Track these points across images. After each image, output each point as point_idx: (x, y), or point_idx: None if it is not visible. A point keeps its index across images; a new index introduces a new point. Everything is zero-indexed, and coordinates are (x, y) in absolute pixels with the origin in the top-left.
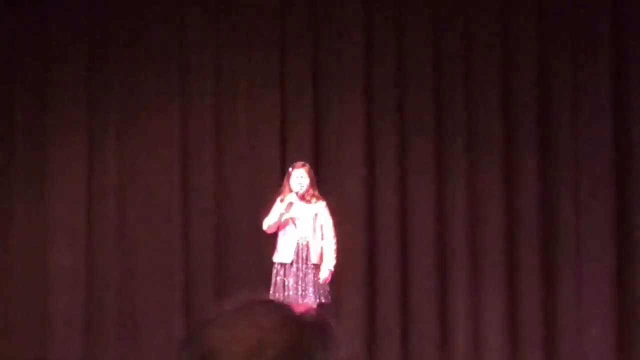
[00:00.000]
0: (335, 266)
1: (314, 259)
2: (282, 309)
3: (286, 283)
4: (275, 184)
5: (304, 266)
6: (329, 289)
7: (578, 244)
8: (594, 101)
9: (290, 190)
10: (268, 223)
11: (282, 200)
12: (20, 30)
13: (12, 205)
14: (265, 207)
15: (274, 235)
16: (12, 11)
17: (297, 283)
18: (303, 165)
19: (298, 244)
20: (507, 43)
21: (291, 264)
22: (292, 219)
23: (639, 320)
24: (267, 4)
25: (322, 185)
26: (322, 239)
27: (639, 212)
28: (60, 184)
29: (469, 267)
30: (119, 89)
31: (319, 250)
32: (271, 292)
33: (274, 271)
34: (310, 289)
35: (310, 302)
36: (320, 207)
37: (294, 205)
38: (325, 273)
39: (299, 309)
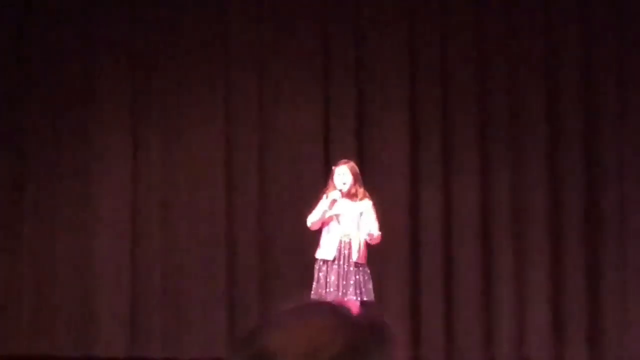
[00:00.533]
0: (381, 242)
1: (355, 257)
2: (340, 311)
3: (328, 280)
4: (318, 182)
5: (346, 264)
6: (371, 287)
7: (624, 236)
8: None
9: (334, 188)
10: (312, 220)
11: (326, 197)
12: (67, 36)
13: (58, 205)
14: (307, 205)
15: (318, 232)
16: (60, 19)
17: (338, 280)
18: (346, 162)
19: (341, 241)
20: (551, 49)
21: (333, 261)
22: (336, 216)
23: None
24: (310, 2)
25: (365, 182)
26: (367, 236)
27: None
28: (104, 184)
29: (514, 262)
30: (162, 87)
31: (362, 248)
32: (313, 288)
33: (316, 267)
34: (352, 287)
35: (351, 300)
36: (366, 205)
37: (337, 203)
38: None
39: (356, 310)
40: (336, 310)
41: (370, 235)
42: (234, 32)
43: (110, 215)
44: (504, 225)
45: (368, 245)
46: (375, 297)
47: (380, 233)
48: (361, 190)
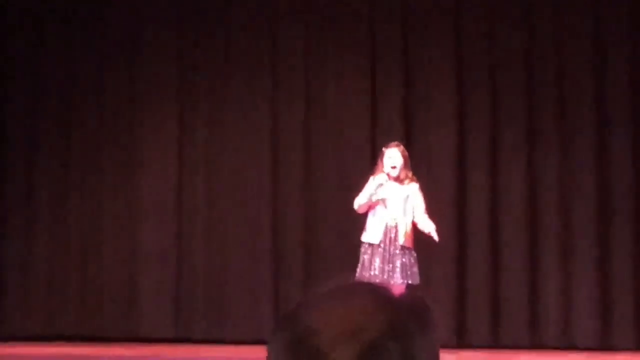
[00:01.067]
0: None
1: (401, 240)
2: (381, 292)
3: (373, 263)
4: (364, 165)
5: (392, 247)
6: (417, 271)
7: None
8: None
9: (383, 170)
10: (359, 202)
11: (374, 180)
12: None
13: (103, 184)
14: (354, 188)
15: (364, 215)
16: (103, 9)
17: (383, 263)
18: (397, 145)
19: (387, 224)
20: (599, 40)
21: (379, 244)
22: (383, 200)
23: None
24: None
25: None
26: (415, 220)
27: None
28: (149, 163)
29: (560, 248)
30: (208, 65)
31: (409, 232)
32: (358, 271)
33: (362, 250)
34: (398, 270)
35: (397, 283)
36: (413, 189)
37: (384, 186)
38: (431, 226)
39: (397, 291)
40: (377, 291)
41: (417, 218)
42: (280, 11)
43: (156, 196)
44: (552, 211)
45: (415, 229)
46: (421, 281)
47: (427, 216)
48: (409, 174)
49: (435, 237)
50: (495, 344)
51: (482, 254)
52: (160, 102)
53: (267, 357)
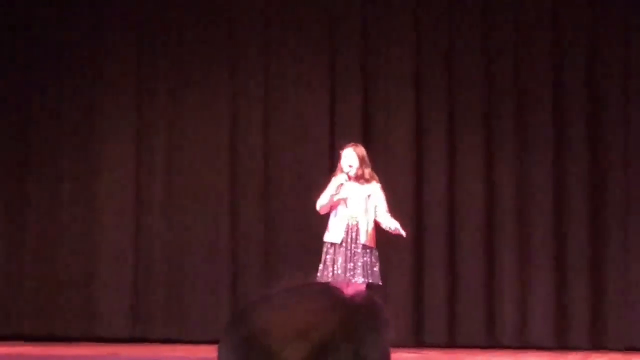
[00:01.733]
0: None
1: (363, 239)
2: (332, 291)
3: (335, 263)
4: (323, 165)
5: (353, 246)
6: (378, 270)
7: (627, 229)
8: None
9: (342, 171)
10: (320, 204)
11: (334, 181)
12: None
13: (61, 182)
14: (312, 187)
15: (325, 215)
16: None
17: (345, 262)
18: (353, 145)
19: (348, 223)
20: (558, 38)
21: (341, 243)
22: (344, 199)
23: None
24: None
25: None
26: (377, 218)
27: None
28: (108, 161)
29: (517, 248)
30: (167, 66)
31: (370, 231)
32: (320, 271)
33: (324, 250)
34: (359, 269)
35: (359, 282)
36: (374, 188)
37: (344, 186)
38: (396, 224)
39: (349, 291)
40: (329, 290)
41: (380, 218)
42: (239, 9)
43: (114, 196)
44: (508, 211)
45: (378, 228)
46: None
47: (389, 215)
48: (368, 172)
49: (402, 232)
50: (452, 344)
51: (439, 254)
52: (118, 106)
53: (217, 356)
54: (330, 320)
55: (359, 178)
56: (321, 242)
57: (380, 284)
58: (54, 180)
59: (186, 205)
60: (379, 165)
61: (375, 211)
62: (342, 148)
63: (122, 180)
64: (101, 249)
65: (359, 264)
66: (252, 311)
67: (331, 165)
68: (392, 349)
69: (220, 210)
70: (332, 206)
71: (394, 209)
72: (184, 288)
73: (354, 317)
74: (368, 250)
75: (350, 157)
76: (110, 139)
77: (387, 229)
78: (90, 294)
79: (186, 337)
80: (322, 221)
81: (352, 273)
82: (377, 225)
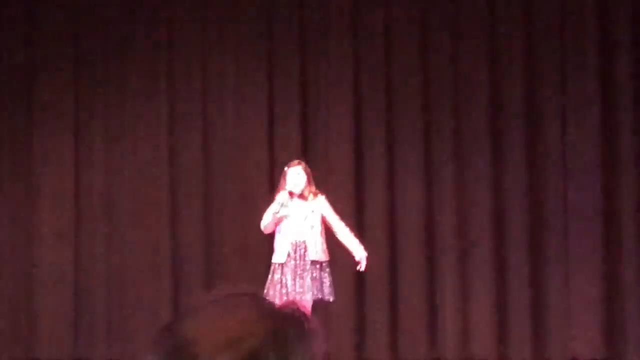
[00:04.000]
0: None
1: (312, 256)
2: (260, 302)
3: (284, 282)
4: (264, 183)
5: (302, 263)
6: (329, 285)
7: (566, 240)
8: (581, 98)
9: (284, 189)
10: (264, 223)
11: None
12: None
13: None
14: (252, 205)
15: (270, 235)
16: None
17: (294, 280)
18: (299, 163)
19: (295, 242)
20: (495, 41)
21: (287, 262)
22: (287, 218)
23: (625, 316)
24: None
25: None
26: (335, 231)
27: (627, 212)
28: (46, 182)
29: (458, 263)
30: (105, 84)
31: (320, 246)
32: (266, 290)
33: (272, 270)
34: (307, 286)
35: (308, 300)
36: (320, 202)
37: (288, 203)
38: (363, 261)
39: (277, 302)
40: (257, 301)
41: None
42: (177, 28)
43: (53, 215)
44: (449, 224)
45: (328, 242)
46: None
47: (343, 223)
48: (313, 189)
49: (362, 261)
50: (394, 359)
51: (380, 268)
52: (56, 120)
53: None
54: (259, 330)
55: (303, 196)
56: (261, 262)
57: (332, 299)
58: None
59: (126, 224)
60: (319, 183)
61: (330, 224)
62: (288, 166)
63: (61, 201)
64: (40, 271)
65: (308, 280)
66: (181, 322)
67: (271, 180)
68: None
69: (160, 229)
70: (277, 225)
71: None
72: (125, 307)
73: (283, 328)
74: (318, 266)
75: (299, 174)
76: (49, 160)
77: (347, 245)
78: (29, 316)
79: (128, 357)
80: (263, 237)
81: (301, 290)
82: (329, 238)
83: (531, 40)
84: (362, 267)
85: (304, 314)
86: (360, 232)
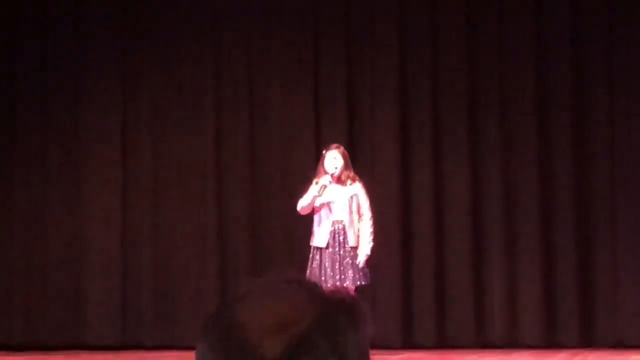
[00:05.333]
0: (373, 248)
1: (351, 242)
2: (311, 287)
3: (323, 267)
4: (309, 166)
5: (341, 249)
6: (368, 271)
7: (614, 227)
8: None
9: (325, 173)
10: (301, 205)
11: (316, 183)
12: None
13: (48, 189)
14: (298, 190)
15: (310, 220)
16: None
17: (334, 266)
18: (337, 147)
19: (334, 227)
20: (542, 41)
21: (327, 247)
22: (327, 203)
23: None
24: None
25: (355, 167)
26: (360, 219)
27: None
28: (94, 170)
29: (505, 246)
30: (151, 69)
31: (357, 232)
32: (307, 274)
33: (310, 256)
34: (349, 272)
35: (348, 285)
36: (356, 188)
37: (328, 188)
38: (362, 257)
39: (328, 287)
40: (307, 286)
41: (360, 217)
42: (223, 12)
43: (102, 203)
44: (495, 209)
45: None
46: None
47: (371, 214)
48: (351, 174)
49: (360, 261)
50: (441, 344)
51: (426, 254)
52: (104, 107)
53: (196, 351)
54: (308, 315)
55: (341, 180)
56: (307, 247)
57: (369, 283)
58: (40, 190)
59: (173, 211)
60: (364, 167)
61: (359, 213)
62: (326, 149)
63: (109, 188)
64: (88, 257)
65: (348, 266)
66: (231, 306)
67: (317, 168)
68: (380, 350)
69: (207, 214)
70: (315, 210)
71: (380, 212)
72: (173, 294)
73: (332, 313)
74: (356, 252)
75: (335, 158)
76: (96, 147)
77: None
78: (78, 302)
79: (176, 343)
80: (308, 224)
81: (341, 277)
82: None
83: (579, 40)
84: (360, 262)
85: (354, 300)
86: (406, 218)
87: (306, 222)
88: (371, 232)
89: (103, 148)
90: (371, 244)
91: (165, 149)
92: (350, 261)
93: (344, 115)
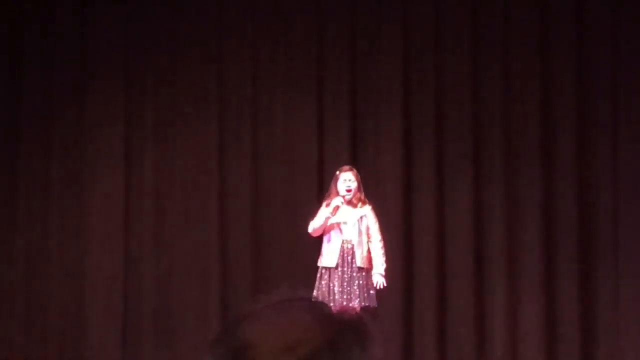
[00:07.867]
0: (387, 269)
1: (359, 262)
2: (319, 307)
3: (331, 287)
4: (312, 187)
5: (349, 270)
6: (374, 293)
7: (615, 246)
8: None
9: (337, 194)
10: (314, 226)
11: (327, 205)
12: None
13: (49, 209)
14: (301, 211)
15: (317, 239)
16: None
17: (342, 287)
18: (351, 169)
19: (343, 247)
20: (546, 55)
21: (336, 267)
22: (337, 223)
23: None
24: (304, 6)
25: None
26: (369, 241)
27: None
28: (97, 188)
29: (506, 270)
30: (156, 90)
31: (365, 254)
32: (314, 295)
33: (319, 275)
34: (356, 293)
35: (355, 306)
36: (366, 210)
37: (340, 209)
38: (379, 279)
39: (335, 308)
40: (315, 306)
41: (369, 238)
42: (228, 30)
43: (103, 219)
44: (498, 233)
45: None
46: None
47: (380, 237)
48: (362, 196)
49: (378, 282)
50: None
51: (429, 274)
52: (107, 125)
53: None
54: (317, 336)
55: (353, 201)
56: (309, 266)
57: (376, 306)
58: (42, 206)
59: (175, 228)
60: (367, 190)
61: (368, 234)
62: (340, 171)
63: (111, 205)
64: (90, 275)
65: (355, 287)
66: (239, 325)
67: (320, 184)
68: None
69: (209, 233)
70: (325, 230)
71: (383, 232)
72: (174, 312)
73: (340, 333)
74: (363, 273)
75: (350, 180)
76: (99, 164)
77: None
78: (79, 320)
79: None
80: (311, 245)
81: (348, 297)
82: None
83: (583, 50)
84: (378, 285)
85: (362, 320)
86: (408, 239)
87: (309, 240)
88: (383, 254)
89: (105, 165)
90: (384, 265)
91: (167, 166)
92: (357, 282)
93: (348, 136)
